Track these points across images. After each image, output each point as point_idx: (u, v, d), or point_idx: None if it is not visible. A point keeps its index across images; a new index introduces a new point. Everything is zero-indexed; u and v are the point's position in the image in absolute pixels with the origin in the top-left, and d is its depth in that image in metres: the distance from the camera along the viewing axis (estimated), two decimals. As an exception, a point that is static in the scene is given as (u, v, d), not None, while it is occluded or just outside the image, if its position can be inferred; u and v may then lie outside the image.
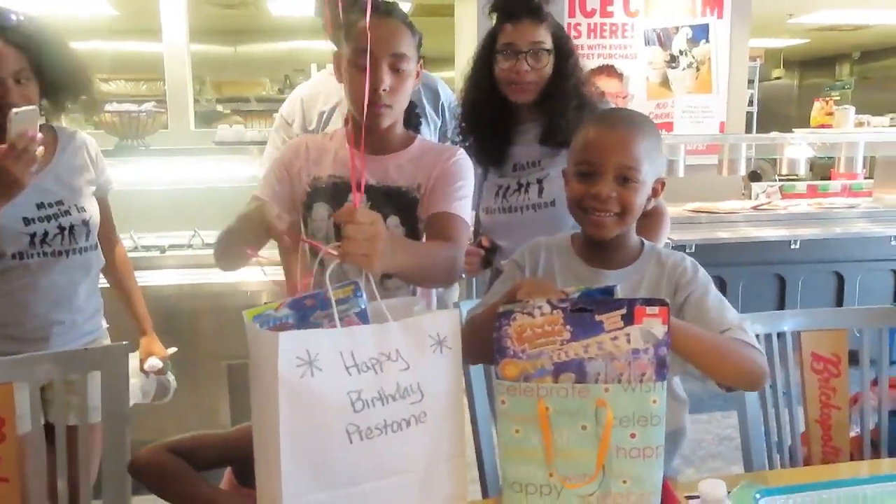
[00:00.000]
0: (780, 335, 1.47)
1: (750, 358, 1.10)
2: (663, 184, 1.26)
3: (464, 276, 1.79)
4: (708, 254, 3.23)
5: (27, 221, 1.54)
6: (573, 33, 4.11)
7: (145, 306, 1.91)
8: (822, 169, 5.75)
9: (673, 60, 4.28)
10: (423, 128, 2.09)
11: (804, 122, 4.64)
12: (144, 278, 2.58)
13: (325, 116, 2.11)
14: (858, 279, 3.48)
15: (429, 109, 2.17)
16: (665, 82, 4.31)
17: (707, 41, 4.29)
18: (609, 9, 4.19)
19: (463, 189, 1.37)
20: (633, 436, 0.96)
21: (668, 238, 3.27)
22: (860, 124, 4.16)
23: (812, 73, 9.80)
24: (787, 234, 3.44)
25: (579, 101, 1.72)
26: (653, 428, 0.96)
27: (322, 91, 2.13)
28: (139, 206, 3.02)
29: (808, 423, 1.46)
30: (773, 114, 7.21)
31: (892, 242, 3.51)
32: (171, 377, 1.92)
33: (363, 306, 1.06)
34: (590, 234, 1.23)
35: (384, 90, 1.29)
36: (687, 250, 3.19)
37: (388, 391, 0.95)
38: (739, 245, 3.36)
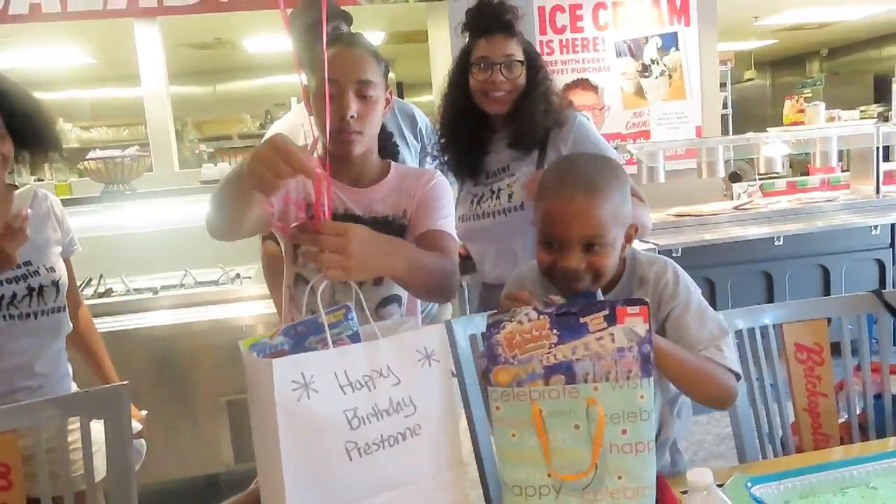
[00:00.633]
0: (763, 328, 1.51)
1: (722, 382, 1.16)
2: (636, 227, 1.25)
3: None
4: (694, 256, 3.28)
5: None
6: (545, 50, 4.20)
7: (113, 370, 1.83)
8: (800, 165, 5.85)
9: (645, 70, 4.37)
10: (405, 153, 2.14)
11: (779, 121, 4.73)
12: (138, 320, 2.61)
13: (308, 148, 2.15)
14: (843, 270, 3.53)
15: (408, 135, 2.22)
16: (639, 91, 4.40)
17: (677, 49, 4.39)
18: (579, 24, 4.28)
19: (446, 208, 1.41)
20: (624, 432, 1.00)
21: (655, 243, 3.34)
22: (831, 119, 4.25)
23: (783, 73, 9.97)
24: (770, 231, 3.49)
25: (546, 106, 1.79)
26: (642, 423, 1.00)
27: (303, 122, 2.18)
28: (129, 249, 3.05)
29: (797, 412, 1.50)
30: (749, 114, 7.33)
31: (873, 232, 3.56)
32: (143, 442, 1.82)
33: (355, 329, 1.09)
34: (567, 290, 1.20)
35: (352, 116, 1.31)
36: (673, 254, 3.24)
37: (382, 406, 0.98)
38: (724, 245, 3.41)
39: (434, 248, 1.32)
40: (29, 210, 1.41)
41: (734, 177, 4.59)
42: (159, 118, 4.13)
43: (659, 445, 1.32)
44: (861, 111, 4.59)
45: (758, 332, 1.51)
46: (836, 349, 1.53)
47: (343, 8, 2.23)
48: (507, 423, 1.04)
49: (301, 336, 1.06)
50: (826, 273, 3.54)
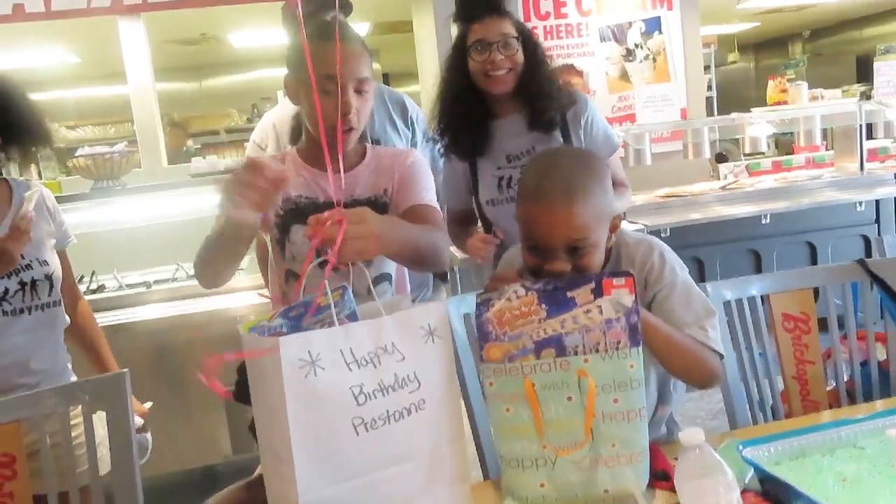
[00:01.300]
0: (751, 300, 1.54)
1: (704, 361, 1.18)
2: (621, 217, 1.25)
3: (479, 262, 1.85)
4: (682, 236, 3.32)
5: None
6: (530, 37, 4.22)
7: (116, 364, 1.78)
8: (785, 145, 5.89)
9: (629, 54, 4.40)
10: (395, 140, 2.15)
11: (763, 103, 4.76)
12: (132, 315, 2.61)
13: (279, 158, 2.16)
14: (830, 246, 3.58)
15: (398, 122, 2.23)
16: (624, 75, 4.43)
17: (660, 32, 4.42)
18: (563, 10, 4.30)
19: (427, 182, 1.42)
20: (615, 401, 1.03)
21: (643, 223, 3.37)
22: (814, 98, 4.29)
23: (766, 55, 10.02)
24: (756, 209, 3.53)
25: (557, 84, 1.85)
26: (633, 392, 1.02)
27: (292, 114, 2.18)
28: (120, 245, 3.05)
29: (786, 380, 1.53)
30: (733, 97, 7.36)
31: (858, 208, 3.62)
32: (148, 436, 1.81)
33: (353, 308, 1.11)
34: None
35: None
36: (661, 234, 3.27)
37: (387, 383, 1.00)
38: (712, 225, 3.45)
39: (422, 223, 1.34)
40: (32, 212, 1.41)
41: (720, 157, 4.62)
42: (146, 115, 4.12)
43: (658, 419, 1.35)
44: (843, 90, 4.62)
45: (746, 304, 1.54)
46: (823, 324, 1.56)
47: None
48: (501, 399, 1.07)
49: (299, 318, 1.08)
50: (813, 250, 3.59)
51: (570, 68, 4.34)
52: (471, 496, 1.10)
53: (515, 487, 1.08)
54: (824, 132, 4.22)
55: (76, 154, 2.82)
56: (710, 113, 5.51)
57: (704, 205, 3.69)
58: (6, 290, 1.50)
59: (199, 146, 6.91)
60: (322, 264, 1.01)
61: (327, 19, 1.76)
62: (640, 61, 4.43)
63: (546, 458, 1.05)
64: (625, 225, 1.34)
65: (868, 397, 1.54)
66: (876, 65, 4.59)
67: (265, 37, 5.33)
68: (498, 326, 1.06)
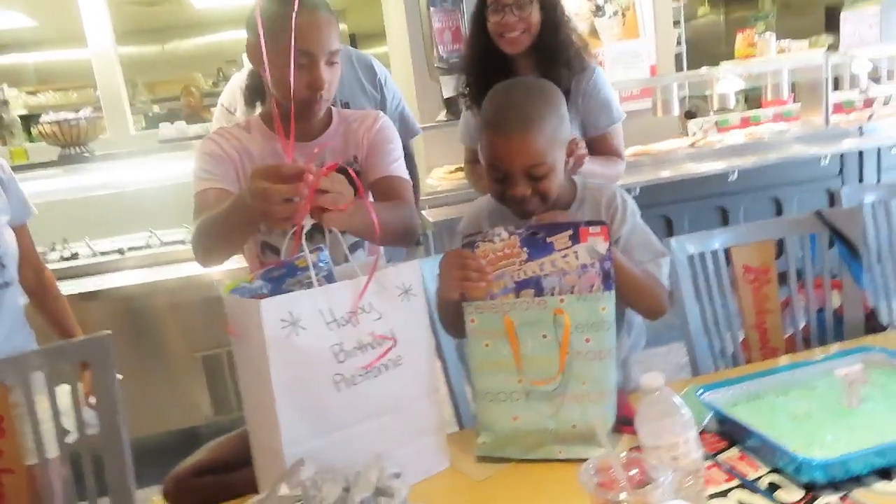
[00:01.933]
0: (714, 254, 1.60)
1: (660, 297, 1.29)
2: (575, 141, 1.33)
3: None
4: (652, 195, 3.36)
5: None
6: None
7: (81, 333, 1.69)
8: (756, 100, 5.93)
9: (598, 10, 4.38)
10: (364, 102, 2.15)
11: (733, 56, 4.78)
12: (106, 282, 2.62)
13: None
14: (795, 201, 3.66)
15: (367, 85, 2.23)
16: (594, 32, 4.41)
17: (630, -13, 4.40)
18: (532, -34, 4.25)
19: (396, 150, 1.44)
20: (587, 340, 1.11)
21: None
22: (782, 50, 4.32)
23: (736, 7, 9.96)
24: (724, 166, 3.56)
25: (571, 51, 1.86)
26: (604, 333, 1.11)
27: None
28: (90, 212, 3.03)
29: (746, 330, 1.60)
30: (703, 51, 7.35)
31: (823, 162, 3.67)
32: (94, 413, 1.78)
33: (329, 270, 1.15)
34: (521, 218, 1.28)
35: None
36: (632, 193, 3.31)
37: (365, 341, 1.05)
38: (680, 182, 3.49)
39: (392, 196, 1.37)
40: None
41: (689, 114, 4.66)
42: (110, 79, 4.02)
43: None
44: (811, 41, 4.64)
45: (708, 256, 1.60)
46: (783, 279, 1.62)
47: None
48: (482, 335, 1.15)
49: (279, 279, 1.11)
50: (779, 205, 3.66)
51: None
52: (447, 444, 1.16)
53: (489, 422, 1.15)
54: (792, 85, 4.25)
55: (40, 120, 2.78)
56: (679, 69, 5.52)
57: (673, 163, 3.72)
58: None
59: (164, 112, 6.78)
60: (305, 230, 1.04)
61: None
62: (609, 17, 4.41)
63: (521, 392, 1.13)
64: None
65: (823, 342, 1.62)
66: (843, 14, 4.58)
67: (228, -3, 5.20)
68: None
